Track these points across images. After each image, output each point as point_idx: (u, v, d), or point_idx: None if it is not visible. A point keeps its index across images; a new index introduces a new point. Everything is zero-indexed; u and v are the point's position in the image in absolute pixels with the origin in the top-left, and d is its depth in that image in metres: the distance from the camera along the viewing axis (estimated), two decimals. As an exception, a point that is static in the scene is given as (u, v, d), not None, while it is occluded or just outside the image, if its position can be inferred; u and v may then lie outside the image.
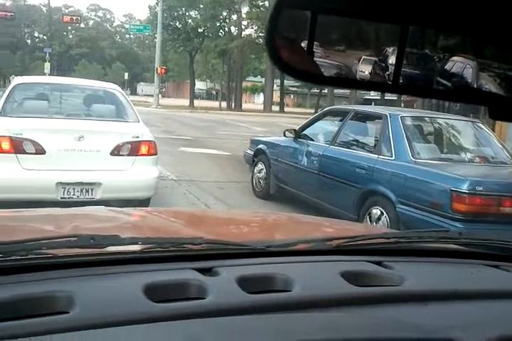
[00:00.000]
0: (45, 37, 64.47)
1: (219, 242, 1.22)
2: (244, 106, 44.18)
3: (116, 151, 5.14)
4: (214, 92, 55.85)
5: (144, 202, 5.18)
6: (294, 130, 6.64)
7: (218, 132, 17.52)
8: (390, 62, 0.71)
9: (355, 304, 1.02)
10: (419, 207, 4.47)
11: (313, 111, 33.83)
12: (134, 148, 5.19)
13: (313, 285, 1.07)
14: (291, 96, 64.15)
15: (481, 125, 5.73)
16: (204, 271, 1.08)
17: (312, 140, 6.36)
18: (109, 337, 0.85)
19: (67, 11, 65.76)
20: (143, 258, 1.13)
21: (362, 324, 0.95)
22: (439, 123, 5.80)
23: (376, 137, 5.50)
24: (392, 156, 4.98)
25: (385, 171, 4.93)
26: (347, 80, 0.74)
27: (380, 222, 4.77)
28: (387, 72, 0.72)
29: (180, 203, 6.45)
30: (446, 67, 0.73)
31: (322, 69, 0.71)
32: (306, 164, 6.12)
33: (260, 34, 36.46)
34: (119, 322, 0.86)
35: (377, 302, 1.03)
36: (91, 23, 77.09)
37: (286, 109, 43.09)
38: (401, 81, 0.71)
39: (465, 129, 5.79)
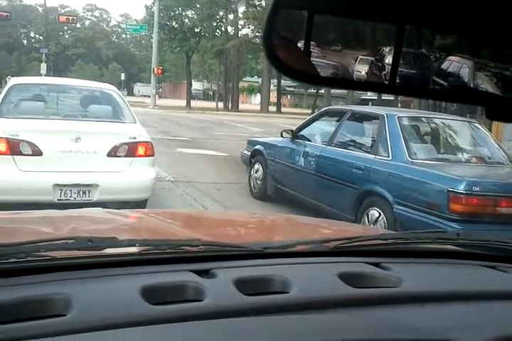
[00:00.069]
0: (41, 37, 64.45)
1: (216, 244, 1.22)
2: (241, 106, 44.18)
3: (113, 152, 5.12)
4: (211, 93, 55.94)
5: (141, 204, 5.17)
6: (291, 130, 6.64)
7: (215, 133, 17.52)
8: (387, 61, 0.71)
9: (352, 305, 1.01)
10: (416, 207, 4.47)
11: (310, 111, 33.88)
12: (131, 149, 5.17)
13: (310, 287, 1.07)
14: (288, 96, 64.22)
15: (477, 125, 5.74)
16: (201, 273, 1.08)
17: (309, 140, 6.36)
18: (106, 340, 0.84)
19: (63, 10, 65.80)
20: (140, 260, 1.12)
21: (360, 325, 0.95)
22: (436, 124, 5.80)
23: (373, 137, 5.50)
24: (389, 156, 4.98)
25: (382, 171, 4.92)
26: (344, 81, 0.74)
27: (378, 223, 4.77)
28: (383, 72, 0.71)
29: (178, 204, 6.43)
30: (442, 67, 0.73)
31: (319, 70, 0.71)
32: (303, 165, 6.12)
33: (257, 34, 36.56)
34: (116, 324, 0.86)
35: (375, 304, 1.03)
36: (87, 23, 77.01)
37: (283, 109, 43.14)
38: (397, 81, 0.71)
39: (462, 129, 5.79)
